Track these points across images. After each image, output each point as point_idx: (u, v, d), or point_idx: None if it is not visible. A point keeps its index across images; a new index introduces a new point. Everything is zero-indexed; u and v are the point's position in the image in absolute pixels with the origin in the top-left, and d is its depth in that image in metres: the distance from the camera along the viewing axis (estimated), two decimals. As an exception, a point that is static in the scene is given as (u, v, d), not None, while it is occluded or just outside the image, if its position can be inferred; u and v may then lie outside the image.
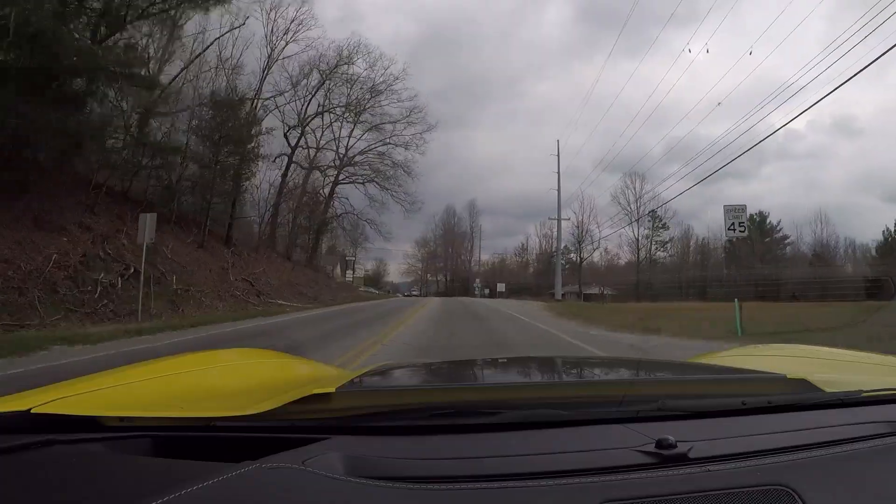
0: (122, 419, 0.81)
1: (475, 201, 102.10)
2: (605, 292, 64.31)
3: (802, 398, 0.99)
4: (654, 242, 67.42)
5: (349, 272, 75.54)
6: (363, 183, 42.85)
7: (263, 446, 0.74)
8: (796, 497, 0.69)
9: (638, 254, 67.60)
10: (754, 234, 59.73)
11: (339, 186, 41.62)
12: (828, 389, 1.01)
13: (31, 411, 0.79)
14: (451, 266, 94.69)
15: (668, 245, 67.65)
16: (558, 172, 54.23)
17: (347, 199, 42.10)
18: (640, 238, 67.25)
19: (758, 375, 1.24)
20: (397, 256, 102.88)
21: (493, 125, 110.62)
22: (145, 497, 0.59)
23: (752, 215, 61.40)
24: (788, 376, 1.08)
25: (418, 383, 1.32)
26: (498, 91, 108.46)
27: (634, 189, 64.80)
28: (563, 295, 47.69)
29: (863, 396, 1.02)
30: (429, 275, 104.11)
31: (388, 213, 45.74)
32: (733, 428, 0.88)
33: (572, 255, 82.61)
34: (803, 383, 1.01)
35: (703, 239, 65.97)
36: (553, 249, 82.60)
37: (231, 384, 1.20)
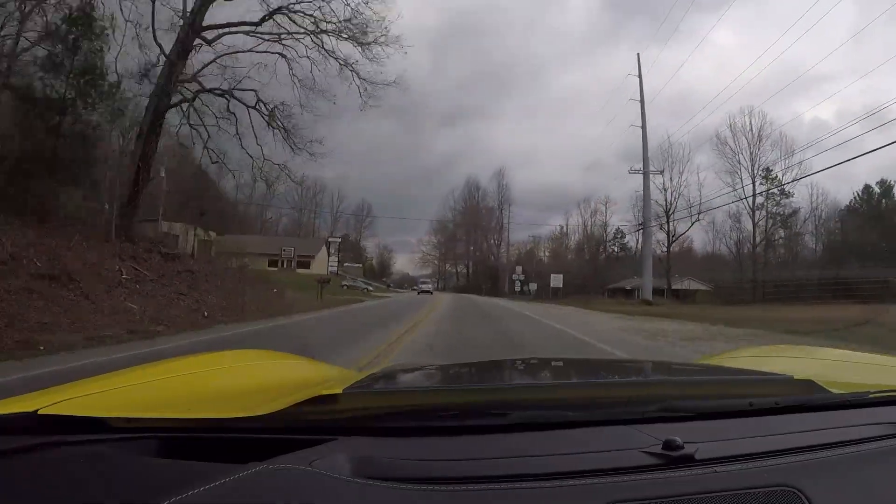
0: (129, 420, 0.81)
1: (504, 170, 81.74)
2: (685, 288, 43.17)
3: (809, 399, 0.98)
4: (769, 214, 45.57)
5: (332, 259, 54.19)
6: (257, 24, 16.66)
7: (271, 447, 0.74)
8: (803, 498, 0.69)
9: (754, 231, 45.61)
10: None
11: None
12: (835, 391, 1.00)
13: (38, 412, 0.78)
14: (474, 253, 75.04)
15: (793, 220, 45.67)
16: (641, 99, 33.04)
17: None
18: (754, 208, 45.34)
19: (765, 377, 1.23)
20: (410, 246, 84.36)
21: (516, 116, 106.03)
22: (152, 498, 0.60)
23: (867, 185, 39.77)
24: (795, 377, 1.08)
25: (426, 384, 1.31)
26: (521, 82, 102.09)
27: (751, 130, 43.03)
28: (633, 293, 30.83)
29: (870, 398, 1.01)
30: (447, 265, 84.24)
31: (328, 120, 23.66)
32: (740, 429, 0.87)
33: (629, 238, 62.05)
34: (810, 384, 1.00)
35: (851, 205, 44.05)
36: (608, 234, 62.12)
37: (238, 385, 1.18)
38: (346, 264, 79.85)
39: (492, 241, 74.23)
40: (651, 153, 34.21)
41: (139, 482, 0.68)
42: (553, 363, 1.89)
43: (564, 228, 66.17)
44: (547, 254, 69.45)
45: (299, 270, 54.59)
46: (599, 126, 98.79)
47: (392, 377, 1.36)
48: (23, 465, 0.71)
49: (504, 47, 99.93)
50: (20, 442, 0.73)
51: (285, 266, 58.64)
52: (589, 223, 61.98)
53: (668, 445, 0.75)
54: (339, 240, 55.10)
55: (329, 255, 56.14)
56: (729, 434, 0.85)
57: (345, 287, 44.41)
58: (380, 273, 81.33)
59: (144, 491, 0.64)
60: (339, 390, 0.87)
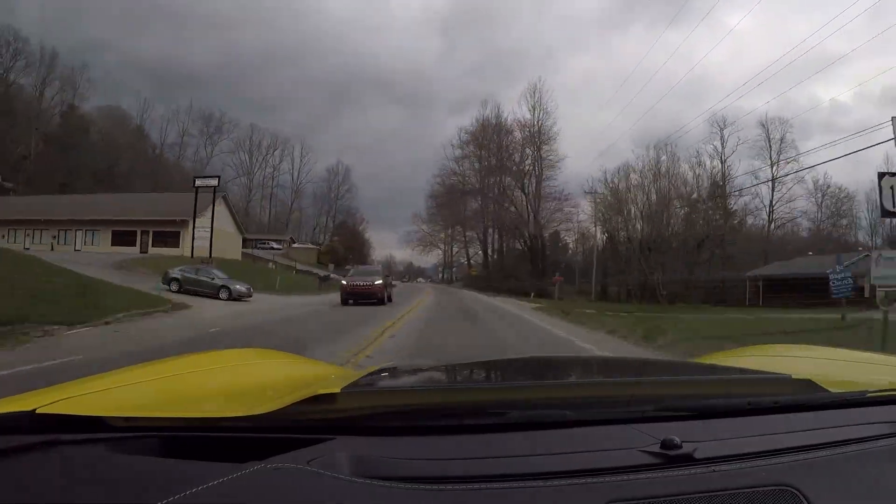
0: (127, 419, 0.81)
1: (540, 86, 47.94)
2: None
3: (808, 399, 0.98)
4: None
5: (198, 230, 26.28)
6: None
7: (269, 447, 0.74)
8: (802, 498, 0.69)
9: None
10: None
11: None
12: (833, 390, 0.99)
13: (36, 411, 0.78)
14: (500, 213, 42.14)
15: None
16: None
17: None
18: None
19: (763, 376, 1.22)
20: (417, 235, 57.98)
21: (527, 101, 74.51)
22: (151, 498, 0.60)
23: None
24: (794, 377, 1.07)
25: (424, 384, 1.29)
26: (531, 67, 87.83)
27: None
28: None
29: (868, 397, 1.01)
30: (454, 245, 56.77)
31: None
32: (738, 428, 0.87)
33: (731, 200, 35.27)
34: (809, 384, 1.00)
35: None
36: (716, 186, 36.14)
37: (237, 384, 1.18)
38: (294, 245, 52.88)
39: (527, 189, 40.99)
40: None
41: (137, 482, 0.68)
42: (551, 362, 1.87)
43: (625, 183, 37.88)
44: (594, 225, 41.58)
45: (155, 251, 28.38)
46: (608, 114, 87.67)
47: (390, 376, 1.34)
48: (21, 465, 0.70)
49: (514, 31, 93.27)
50: (18, 441, 0.72)
51: (141, 244, 32.13)
52: (671, 174, 34.15)
53: (667, 444, 0.75)
54: (216, 182, 27.82)
55: (218, 213, 29.79)
56: (727, 433, 0.84)
57: (160, 292, 16.69)
58: (357, 258, 54.25)
59: (143, 490, 0.64)
60: (337, 389, 0.86)
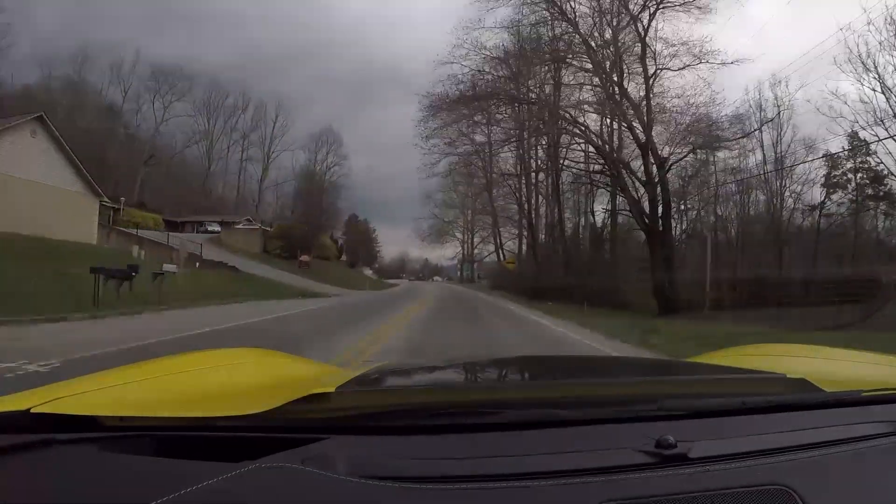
0: (121, 419, 0.81)
1: None
2: None
3: (802, 398, 0.98)
4: None
5: None
6: None
7: (263, 446, 0.74)
8: (796, 497, 0.70)
9: None
10: None
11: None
12: (828, 389, 1.00)
13: (31, 411, 0.78)
14: (557, 136, 19.31)
15: None
16: None
17: None
18: None
19: (758, 375, 1.22)
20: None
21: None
22: (145, 497, 0.60)
23: None
24: (788, 376, 1.07)
25: (419, 383, 1.30)
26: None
27: None
28: None
29: (863, 396, 1.01)
30: (476, 233, 41.79)
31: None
32: (733, 428, 0.88)
33: None
34: (803, 383, 1.00)
35: None
36: None
37: (231, 383, 1.18)
38: (237, 225, 36.89)
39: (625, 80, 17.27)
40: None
41: (132, 481, 0.68)
42: (546, 361, 1.88)
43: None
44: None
45: None
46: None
47: (385, 376, 1.35)
48: (15, 464, 0.71)
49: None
50: (13, 441, 0.73)
51: None
52: None
53: (661, 444, 0.76)
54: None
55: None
56: (722, 433, 0.84)
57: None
58: (354, 253, 38.87)
59: (137, 490, 0.65)
60: (331, 389, 0.87)
